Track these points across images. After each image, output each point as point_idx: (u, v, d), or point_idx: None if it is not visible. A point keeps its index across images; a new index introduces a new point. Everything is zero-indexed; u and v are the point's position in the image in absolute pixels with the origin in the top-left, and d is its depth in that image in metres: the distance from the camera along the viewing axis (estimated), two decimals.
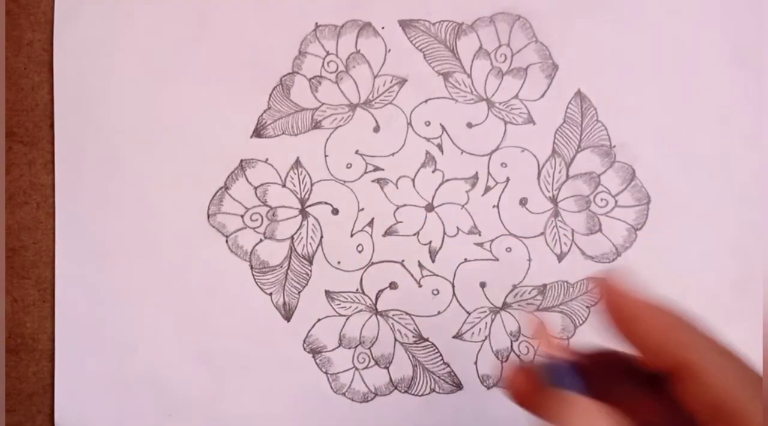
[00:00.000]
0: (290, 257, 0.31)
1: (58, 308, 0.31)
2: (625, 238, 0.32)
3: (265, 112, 0.32)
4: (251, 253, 0.31)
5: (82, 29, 0.31)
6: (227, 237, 0.31)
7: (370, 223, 0.31)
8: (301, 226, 0.31)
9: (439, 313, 0.31)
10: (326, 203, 0.32)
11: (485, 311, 0.31)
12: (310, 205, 0.32)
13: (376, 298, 0.31)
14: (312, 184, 0.32)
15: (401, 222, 0.32)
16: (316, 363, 0.31)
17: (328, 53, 0.32)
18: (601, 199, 0.32)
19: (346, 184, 0.32)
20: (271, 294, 0.31)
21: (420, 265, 0.31)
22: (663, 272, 0.31)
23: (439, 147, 0.32)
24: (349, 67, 0.32)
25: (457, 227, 0.32)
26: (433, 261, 0.31)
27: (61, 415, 0.31)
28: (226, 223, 0.31)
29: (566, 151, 0.32)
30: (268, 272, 0.31)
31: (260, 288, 0.31)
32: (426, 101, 0.32)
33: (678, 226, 0.32)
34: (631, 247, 0.32)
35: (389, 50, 0.32)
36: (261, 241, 0.31)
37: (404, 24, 0.32)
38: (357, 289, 0.31)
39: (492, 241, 0.31)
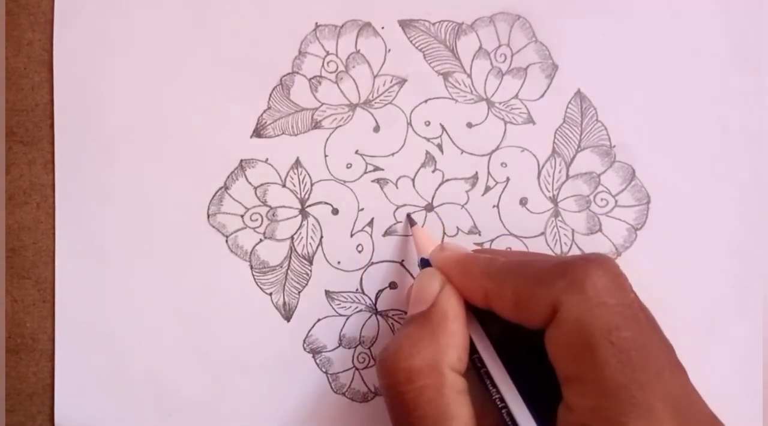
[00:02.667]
0: (290, 257, 0.31)
1: (58, 308, 0.31)
2: (625, 238, 0.32)
3: (265, 112, 0.32)
4: (251, 253, 0.31)
5: (82, 29, 0.31)
6: (227, 237, 0.31)
7: (370, 223, 0.31)
8: (301, 226, 0.31)
9: None
10: (326, 203, 0.32)
11: None
12: (310, 205, 0.32)
13: (376, 298, 0.31)
14: (312, 184, 0.32)
15: (401, 222, 0.32)
16: (316, 363, 0.31)
17: (328, 53, 0.32)
18: (601, 199, 0.32)
19: (346, 184, 0.32)
20: (271, 294, 0.31)
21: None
22: (663, 272, 0.31)
23: (439, 147, 0.32)
24: (349, 67, 0.32)
25: (457, 227, 0.32)
26: None
27: (61, 415, 0.31)
28: (226, 223, 0.31)
29: (566, 151, 0.32)
30: (268, 272, 0.31)
31: (260, 288, 0.31)
32: (426, 101, 0.32)
33: (678, 226, 0.32)
34: (631, 247, 0.32)
35: (389, 50, 0.32)
36: (261, 241, 0.31)
37: (404, 24, 0.32)
38: (357, 289, 0.31)
39: (492, 241, 0.31)
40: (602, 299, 0.21)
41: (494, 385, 0.23)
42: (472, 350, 0.24)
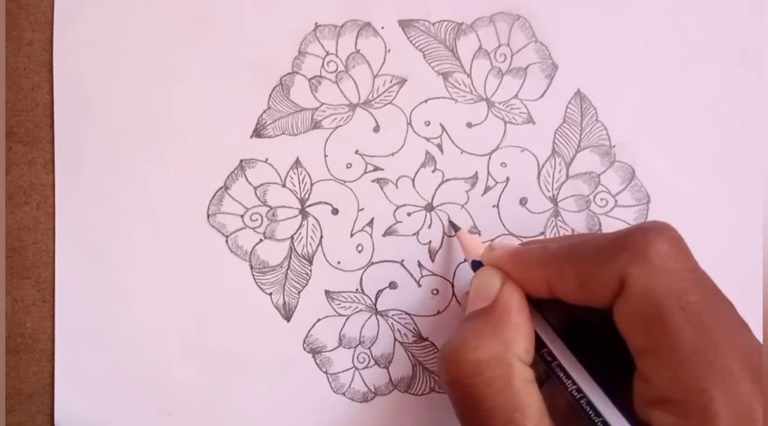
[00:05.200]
0: (290, 257, 0.31)
1: (58, 308, 0.31)
2: None
3: (264, 112, 0.32)
4: (251, 253, 0.31)
5: (82, 29, 0.31)
6: (227, 237, 0.31)
7: (370, 223, 0.31)
8: (301, 226, 0.31)
9: (438, 312, 0.31)
10: (326, 203, 0.32)
11: None
12: (310, 205, 0.32)
13: (376, 298, 0.31)
14: (312, 184, 0.32)
15: (401, 222, 0.32)
16: (316, 363, 0.31)
17: (327, 53, 0.32)
18: (601, 199, 0.32)
19: (346, 184, 0.32)
20: (271, 294, 0.31)
21: (420, 264, 0.31)
22: None
23: (439, 147, 0.32)
24: (349, 67, 0.32)
25: None
26: (432, 261, 0.31)
27: (61, 415, 0.31)
28: (226, 223, 0.31)
29: (566, 150, 0.32)
30: (268, 272, 0.31)
31: (260, 288, 0.31)
32: (426, 101, 0.32)
33: (678, 225, 0.32)
34: None
35: (389, 50, 0.32)
36: (261, 241, 0.31)
37: (404, 24, 0.32)
38: (357, 289, 0.31)
39: (492, 241, 0.31)
40: (667, 266, 0.21)
41: (569, 378, 0.23)
42: (539, 345, 0.24)
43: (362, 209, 0.32)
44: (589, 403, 0.22)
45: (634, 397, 0.21)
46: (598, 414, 0.22)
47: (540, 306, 0.25)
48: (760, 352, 0.21)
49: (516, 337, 0.23)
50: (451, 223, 0.31)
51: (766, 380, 0.19)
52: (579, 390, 0.22)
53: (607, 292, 0.22)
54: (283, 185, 0.32)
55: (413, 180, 0.32)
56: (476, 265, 0.27)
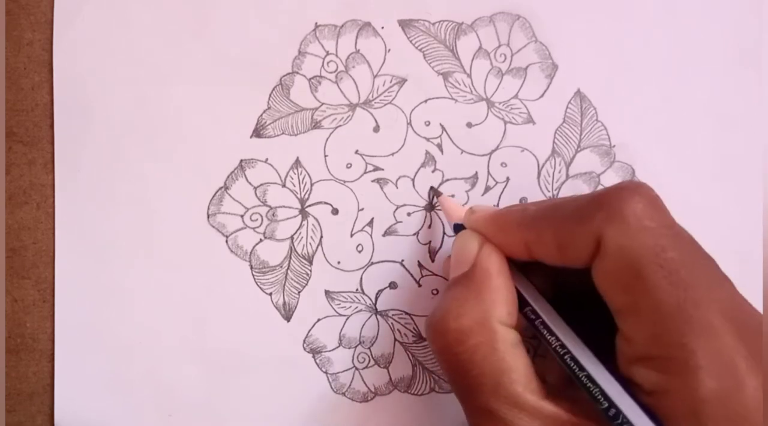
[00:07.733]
0: (290, 257, 0.31)
1: (58, 308, 0.31)
2: None
3: (264, 112, 0.32)
4: (251, 253, 0.31)
5: (82, 29, 0.31)
6: (227, 237, 0.31)
7: (370, 223, 0.32)
8: (300, 226, 0.31)
9: None
10: (326, 203, 0.32)
11: None
12: (309, 205, 0.32)
13: (376, 298, 0.31)
14: (312, 184, 0.32)
15: (401, 222, 0.32)
16: (316, 363, 0.31)
17: (327, 53, 0.32)
18: None
19: (346, 184, 0.32)
20: (271, 294, 0.31)
21: (420, 264, 0.31)
22: None
23: (439, 147, 0.32)
24: (349, 67, 0.32)
25: None
26: (432, 261, 0.31)
27: (61, 415, 0.31)
28: (226, 223, 0.31)
29: (566, 150, 0.32)
30: (268, 272, 0.31)
31: (260, 288, 0.31)
32: (426, 101, 0.32)
33: None
34: None
35: (389, 50, 0.32)
36: (261, 241, 0.31)
37: (404, 24, 0.32)
38: (357, 289, 0.31)
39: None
40: (643, 224, 0.21)
41: (552, 334, 0.23)
42: (522, 304, 0.24)
43: (362, 209, 0.32)
44: (573, 358, 0.22)
45: (617, 357, 0.21)
46: (582, 368, 0.22)
47: (526, 269, 0.25)
48: (743, 305, 0.21)
49: (497, 301, 0.23)
50: (432, 189, 0.31)
51: (766, 377, 0.19)
52: (563, 346, 0.22)
53: (584, 253, 0.21)
54: (283, 185, 0.32)
55: (413, 180, 0.32)
56: (458, 229, 0.27)
